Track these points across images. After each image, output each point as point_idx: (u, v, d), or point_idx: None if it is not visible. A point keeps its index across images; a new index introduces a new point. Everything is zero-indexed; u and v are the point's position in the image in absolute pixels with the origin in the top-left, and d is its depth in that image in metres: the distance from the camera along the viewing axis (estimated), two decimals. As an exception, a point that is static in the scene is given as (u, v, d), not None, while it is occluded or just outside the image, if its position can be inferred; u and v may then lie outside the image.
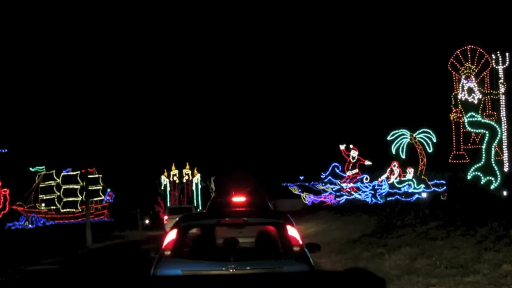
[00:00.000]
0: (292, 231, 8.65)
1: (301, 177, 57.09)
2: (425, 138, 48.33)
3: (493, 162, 39.29)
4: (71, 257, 23.46)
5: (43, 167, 56.05)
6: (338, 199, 52.96)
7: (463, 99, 42.08)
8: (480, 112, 40.99)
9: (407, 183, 49.18)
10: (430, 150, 48.02)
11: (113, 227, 47.59)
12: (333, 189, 53.85)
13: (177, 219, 9.56)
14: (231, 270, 8.13)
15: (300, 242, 8.59)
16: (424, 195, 47.83)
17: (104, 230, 43.69)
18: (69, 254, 24.22)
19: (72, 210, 57.00)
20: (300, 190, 56.51)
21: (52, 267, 19.61)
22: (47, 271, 18.61)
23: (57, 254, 23.76)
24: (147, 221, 52.65)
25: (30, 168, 54.46)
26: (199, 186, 59.19)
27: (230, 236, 10.15)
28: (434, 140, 47.64)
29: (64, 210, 56.62)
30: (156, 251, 8.85)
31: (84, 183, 56.29)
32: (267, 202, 19.28)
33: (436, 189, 48.01)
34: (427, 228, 18.21)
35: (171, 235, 8.85)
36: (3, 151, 47.89)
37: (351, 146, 53.20)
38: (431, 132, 47.87)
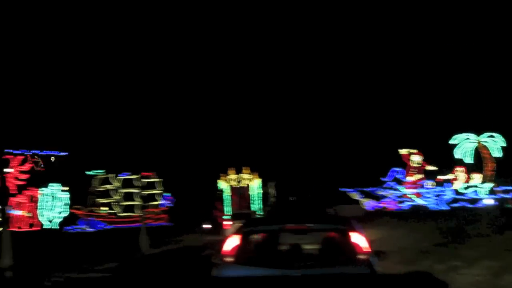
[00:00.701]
0: (357, 238, 8.33)
1: (358, 183, 55.84)
2: (492, 142, 46.47)
3: None
4: (125, 263, 22.81)
5: (103, 170, 56.12)
6: (400, 205, 51.49)
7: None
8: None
9: (473, 189, 47.37)
10: (497, 155, 46.12)
11: (171, 232, 47.28)
12: (395, 195, 52.46)
13: (238, 224, 9.50)
14: None
15: (365, 249, 8.22)
16: (490, 201, 46.10)
17: (162, 235, 43.27)
18: (123, 260, 23.59)
19: (131, 214, 56.86)
20: (361, 195, 55.20)
21: (102, 275, 18.93)
22: (97, 279, 17.97)
23: (111, 259, 23.21)
24: (206, 226, 52.35)
25: (87, 172, 54.54)
26: (259, 191, 58.53)
27: (292, 242, 9.59)
28: (503, 144, 45.73)
29: (123, 214, 56.52)
30: (220, 256, 8.61)
31: (140, 187, 56.95)
32: (328, 208, 18.38)
33: (504, 195, 46.11)
34: (504, 238, 16.88)
35: (233, 241, 8.68)
36: (63, 154, 48.07)
37: (415, 151, 51.59)
38: (499, 136, 45.98)
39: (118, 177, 56.79)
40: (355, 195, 55.47)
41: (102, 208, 55.42)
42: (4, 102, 46.33)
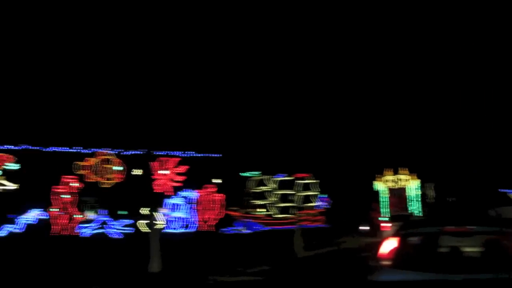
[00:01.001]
0: None
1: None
2: None
3: None
4: (277, 266, 22.43)
5: (259, 172, 56.41)
6: None
7: None
8: None
9: None
10: None
11: (328, 234, 46.77)
12: None
13: (397, 226, 9.24)
14: None
15: None
16: None
17: (318, 237, 42.87)
18: (276, 263, 23.23)
19: (288, 215, 56.78)
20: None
21: (254, 278, 18.60)
22: (248, 283, 17.62)
23: (264, 262, 22.94)
24: (363, 228, 51.67)
25: (247, 173, 54.98)
26: (417, 193, 56.73)
27: (452, 245, 9.07)
28: None
29: (280, 215, 56.54)
30: (377, 258, 8.45)
31: (296, 189, 56.73)
32: (489, 209, 17.05)
33: None
34: None
35: (391, 243, 8.57)
36: (217, 155, 48.75)
37: None
38: None
39: (273, 179, 56.86)
40: (517, 196, 52.32)
41: (258, 210, 55.73)
42: (158, 104, 47.64)
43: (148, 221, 40.54)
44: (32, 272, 20.04)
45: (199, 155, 47.37)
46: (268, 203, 56.47)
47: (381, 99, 65.76)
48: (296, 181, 57.16)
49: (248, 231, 50.32)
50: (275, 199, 56.70)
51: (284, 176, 57.16)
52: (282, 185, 57.03)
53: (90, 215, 41.02)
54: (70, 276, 18.96)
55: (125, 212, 42.40)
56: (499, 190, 52.72)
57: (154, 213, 40.96)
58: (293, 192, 56.91)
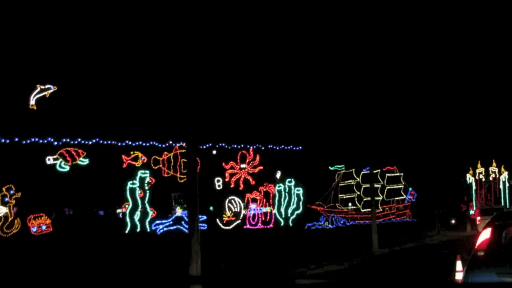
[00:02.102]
0: None
1: None
2: None
3: None
4: (352, 265, 21.39)
5: (342, 165, 55.15)
6: None
7: None
8: None
9: None
10: None
11: (413, 228, 45.51)
12: None
13: (489, 219, 8.93)
14: None
15: None
16: None
17: (402, 232, 41.70)
18: (352, 260, 22.22)
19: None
20: None
21: (327, 281, 17.59)
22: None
23: (341, 258, 21.99)
24: (452, 221, 50.12)
25: (330, 167, 53.80)
26: (507, 185, 54.32)
27: None
28: None
29: (364, 210, 55.11)
30: (468, 253, 8.30)
31: (382, 182, 55.15)
32: None
33: None
34: None
35: (484, 235, 8.43)
36: (297, 148, 47.77)
37: None
38: None
39: (360, 172, 55.45)
40: None
41: (342, 205, 54.51)
42: (235, 95, 46.96)
43: (222, 217, 40.19)
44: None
45: (278, 147, 46.49)
46: (354, 197, 55.14)
47: (472, 90, 63.02)
48: (382, 174, 55.55)
49: (332, 226, 49.24)
50: (360, 193, 55.32)
51: (368, 169, 55.65)
52: (367, 178, 55.57)
53: (177, 211, 41.01)
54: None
55: (211, 208, 42.21)
56: None
57: (232, 209, 40.48)
58: (379, 186, 55.31)
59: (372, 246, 26.36)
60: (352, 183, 55.26)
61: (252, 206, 42.67)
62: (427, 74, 62.07)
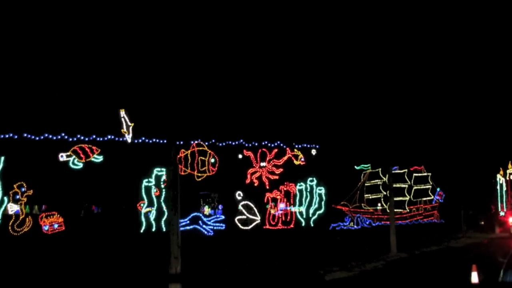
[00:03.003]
0: None
1: None
2: None
3: None
4: (363, 271, 20.13)
5: (369, 165, 53.77)
6: None
7: None
8: None
9: None
10: None
11: (440, 230, 44.23)
12: None
13: None
14: None
15: None
16: None
17: (427, 233, 40.43)
18: (364, 266, 20.96)
19: (400, 210, 53.80)
20: None
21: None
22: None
23: (354, 263, 20.79)
24: (482, 223, 48.74)
25: (356, 167, 52.46)
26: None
27: None
28: None
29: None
30: (504, 256, 8.53)
31: (409, 182, 53.69)
32: None
33: None
34: None
35: None
36: (315, 146, 46.39)
37: None
38: None
39: (387, 172, 53.94)
40: None
41: (368, 205, 53.14)
42: (252, 91, 45.92)
43: (244, 217, 39.12)
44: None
45: (298, 145, 45.21)
46: (380, 197, 53.71)
47: (504, 89, 61.26)
48: (409, 174, 54.09)
49: (357, 227, 48.00)
50: (387, 193, 53.82)
51: (396, 169, 54.20)
52: (394, 178, 54.07)
53: (205, 210, 40.24)
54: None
55: (220, 206, 41.25)
56: None
57: (251, 208, 39.43)
58: (406, 186, 53.86)
59: (390, 249, 24.93)
60: (378, 183, 53.84)
61: (281, 205, 41.66)
62: (458, 72, 60.49)
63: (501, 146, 57.48)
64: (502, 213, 53.16)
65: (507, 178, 54.25)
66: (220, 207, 40.74)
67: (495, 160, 54.91)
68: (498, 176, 54.44)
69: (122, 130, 36.18)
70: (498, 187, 54.90)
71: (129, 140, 36.51)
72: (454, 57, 60.51)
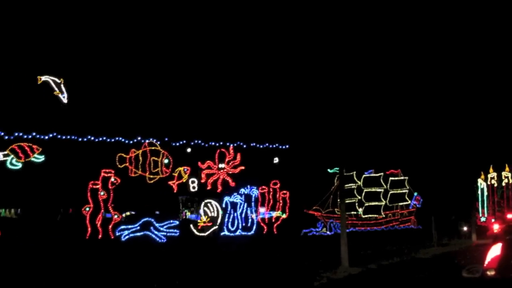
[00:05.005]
0: None
1: None
2: None
3: None
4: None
5: (344, 168, 51.36)
6: None
7: None
8: None
9: None
10: None
11: (413, 237, 42.07)
12: None
13: (500, 230, 8.66)
14: None
15: None
16: None
17: (396, 241, 38.16)
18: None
19: (375, 216, 51.61)
20: None
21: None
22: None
23: (286, 285, 18.26)
24: (464, 229, 46.64)
25: (329, 170, 50.11)
26: (522, 191, 50.70)
27: None
28: None
29: (366, 216, 51.42)
30: (469, 271, 7.60)
31: (385, 186, 51.51)
32: None
33: None
34: None
35: (495, 251, 7.85)
36: (283, 147, 44.00)
37: None
38: None
39: (362, 176, 51.74)
40: None
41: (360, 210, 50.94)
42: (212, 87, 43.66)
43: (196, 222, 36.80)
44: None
45: (261, 145, 42.78)
46: (354, 202, 51.46)
47: (482, 92, 59.50)
48: (384, 178, 52.04)
49: (330, 233, 45.77)
50: (361, 197, 51.62)
51: (371, 172, 51.99)
52: (369, 182, 51.88)
53: (186, 214, 38.19)
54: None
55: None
56: None
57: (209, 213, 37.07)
58: (382, 190, 51.70)
59: (341, 263, 22.10)
60: (352, 186, 51.60)
61: (261, 210, 39.54)
62: (438, 75, 58.68)
63: (482, 150, 55.55)
64: (483, 219, 51.34)
65: (489, 183, 52.31)
66: (201, 211, 38.25)
67: (476, 164, 52.90)
68: (479, 180, 52.52)
69: (54, 92, 33.30)
70: (479, 192, 53.01)
71: (65, 101, 33.67)
72: (430, 58, 58.69)
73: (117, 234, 33.03)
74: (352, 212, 51.10)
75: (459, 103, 58.23)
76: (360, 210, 51.31)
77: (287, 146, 43.80)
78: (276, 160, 43.10)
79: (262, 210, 39.71)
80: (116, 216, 32.54)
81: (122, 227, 33.35)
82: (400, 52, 52.84)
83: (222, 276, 19.61)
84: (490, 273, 7.61)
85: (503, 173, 51.74)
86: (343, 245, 22.50)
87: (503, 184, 51.58)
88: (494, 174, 52.23)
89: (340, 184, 29.22)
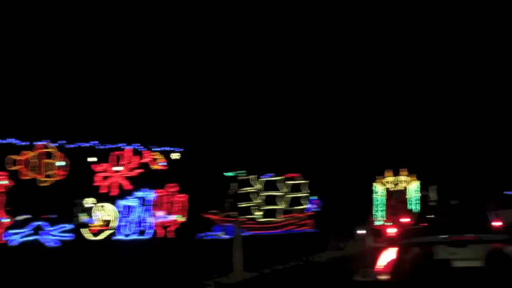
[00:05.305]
0: None
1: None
2: None
3: None
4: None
5: (244, 171, 51.18)
6: None
7: None
8: None
9: None
10: None
11: (312, 240, 42.09)
12: None
13: (396, 234, 6.77)
14: None
15: None
16: None
17: (294, 245, 38.02)
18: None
19: (273, 219, 51.56)
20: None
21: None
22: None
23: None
24: (360, 232, 47.10)
25: (225, 173, 49.72)
26: (416, 195, 51.67)
27: (455, 256, 8.34)
28: None
29: (264, 219, 51.30)
30: (363, 274, 8.78)
31: (285, 190, 51.58)
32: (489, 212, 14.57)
33: None
34: None
35: (389, 255, 8.09)
36: (178, 150, 43.27)
37: None
38: None
39: (260, 179, 51.59)
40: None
41: (240, 214, 50.50)
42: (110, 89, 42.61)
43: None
44: None
45: (159, 148, 41.96)
46: (253, 206, 51.27)
47: (380, 97, 60.76)
48: (284, 182, 52.13)
49: (228, 237, 45.10)
50: (260, 201, 51.50)
51: (271, 176, 52.02)
52: (268, 185, 51.87)
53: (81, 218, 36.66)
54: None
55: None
56: (504, 192, 47.76)
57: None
58: (281, 194, 51.80)
59: (234, 267, 21.41)
60: (251, 190, 51.48)
61: (158, 213, 38.54)
62: (339, 79, 59.64)
63: (377, 154, 56.70)
64: (378, 223, 52.02)
65: (384, 187, 53.11)
66: (96, 215, 36.82)
67: (373, 169, 53.83)
68: (375, 184, 53.28)
69: None
70: (375, 196, 53.84)
71: None
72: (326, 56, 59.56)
73: (7, 238, 31.69)
74: (250, 216, 50.90)
75: (357, 109, 59.38)
76: (259, 213, 51.15)
77: (182, 150, 43.16)
78: (174, 162, 42.37)
79: (159, 213, 38.93)
80: (8, 220, 31.14)
81: (13, 231, 31.97)
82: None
83: (110, 282, 18.73)
84: (383, 276, 7.64)
85: (400, 178, 52.70)
86: (236, 250, 21.79)
87: (398, 188, 52.47)
88: (390, 179, 53.05)
89: (238, 188, 28.74)
